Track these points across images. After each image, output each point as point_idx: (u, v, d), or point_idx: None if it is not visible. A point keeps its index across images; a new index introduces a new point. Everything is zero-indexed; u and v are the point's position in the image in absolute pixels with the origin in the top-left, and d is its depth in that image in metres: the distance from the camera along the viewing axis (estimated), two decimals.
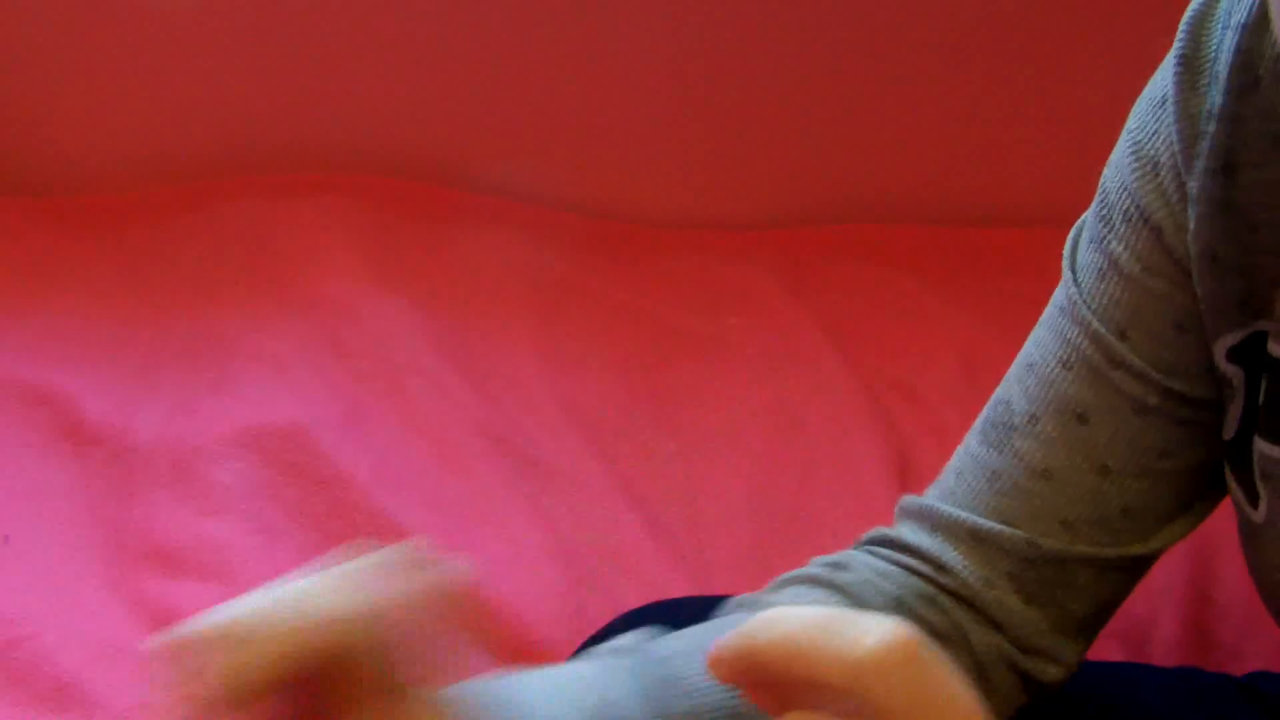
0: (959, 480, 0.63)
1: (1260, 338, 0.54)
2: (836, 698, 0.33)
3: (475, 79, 1.39)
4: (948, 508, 0.62)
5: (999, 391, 0.64)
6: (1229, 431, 0.57)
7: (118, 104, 1.39)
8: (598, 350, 1.23)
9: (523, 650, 0.96)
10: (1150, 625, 0.96)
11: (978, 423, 0.65)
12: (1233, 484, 0.58)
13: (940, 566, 0.61)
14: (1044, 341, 0.62)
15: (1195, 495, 0.61)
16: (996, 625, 0.62)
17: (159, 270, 1.27)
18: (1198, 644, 0.96)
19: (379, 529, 1.02)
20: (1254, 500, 0.57)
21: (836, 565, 0.63)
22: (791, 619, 0.34)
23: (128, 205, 1.36)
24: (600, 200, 1.42)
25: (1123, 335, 0.57)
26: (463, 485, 1.07)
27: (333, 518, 1.03)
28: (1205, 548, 1.01)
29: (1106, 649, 0.92)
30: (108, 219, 1.34)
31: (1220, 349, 0.56)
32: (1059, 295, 0.62)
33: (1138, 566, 0.63)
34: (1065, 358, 0.59)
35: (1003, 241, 1.39)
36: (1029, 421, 0.60)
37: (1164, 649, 0.95)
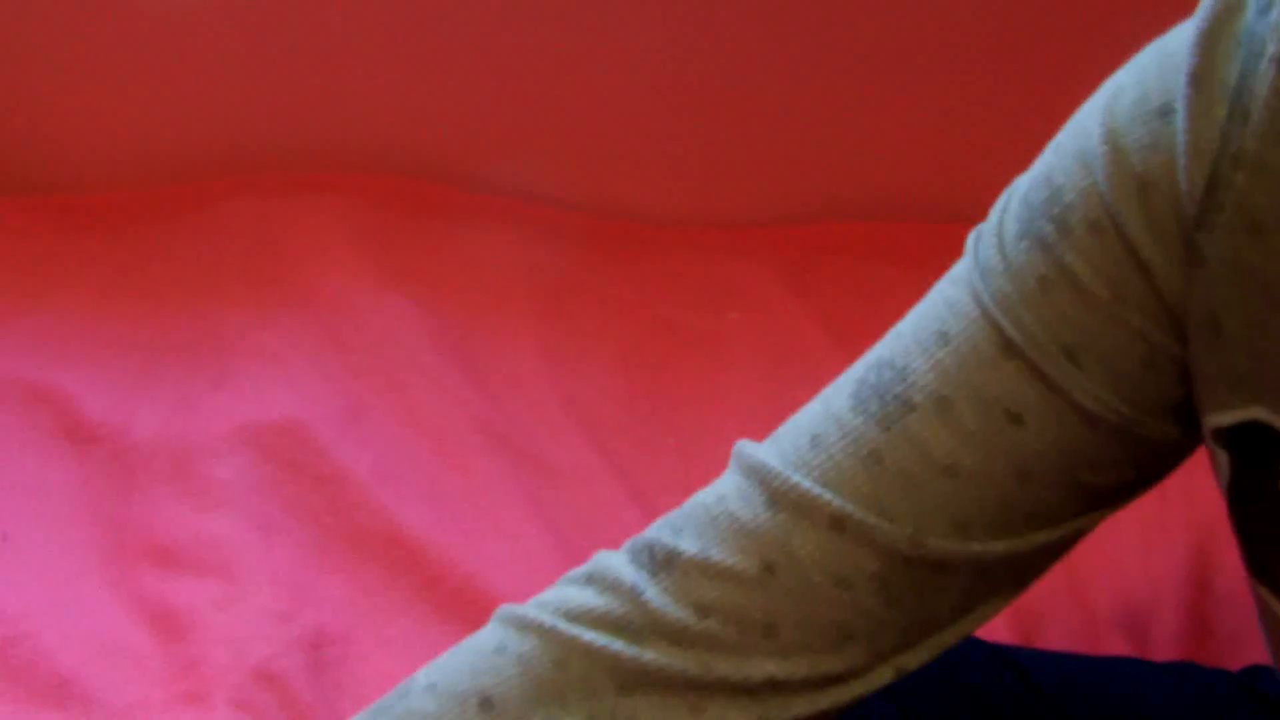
0: (817, 450, 0.52)
1: (1257, 427, 0.46)
2: None
3: (476, 78, 1.39)
4: (805, 483, 0.51)
5: (883, 350, 0.54)
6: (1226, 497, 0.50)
7: (118, 104, 1.39)
8: (597, 347, 1.23)
9: None
10: (1150, 616, 0.96)
11: (847, 382, 0.54)
12: (1258, 582, 0.51)
13: (771, 568, 0.50)
14: (963, 309, 0.51)
15: (1108, 503, 0.53)
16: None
17: (159, 269, 1.27)
18: (1198, 632, 0.96)
19: (379, 526, 1.02)
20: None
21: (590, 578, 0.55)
22: None
23: (128, 205, 1.36)
24: (600, 199, 1.42)
25: (1072, 357, 0.48)
26: (463, 481, 1.07)
27: (333, 514, 1.03)
28: (1206, 537, 1.01)
29: (1108, 639, 0.92)
30: (108, 218, 1.34)
31: (1208, 426, 0.49)
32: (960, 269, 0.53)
33: (1029, 561, 0.53)
34: (998, 342, 0.49)
35: None
36: (937, 405, 0.50)
37: (1165, 638, 0.95)
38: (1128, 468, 0.51)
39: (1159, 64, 0.48)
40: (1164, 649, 0.94)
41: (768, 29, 1.37)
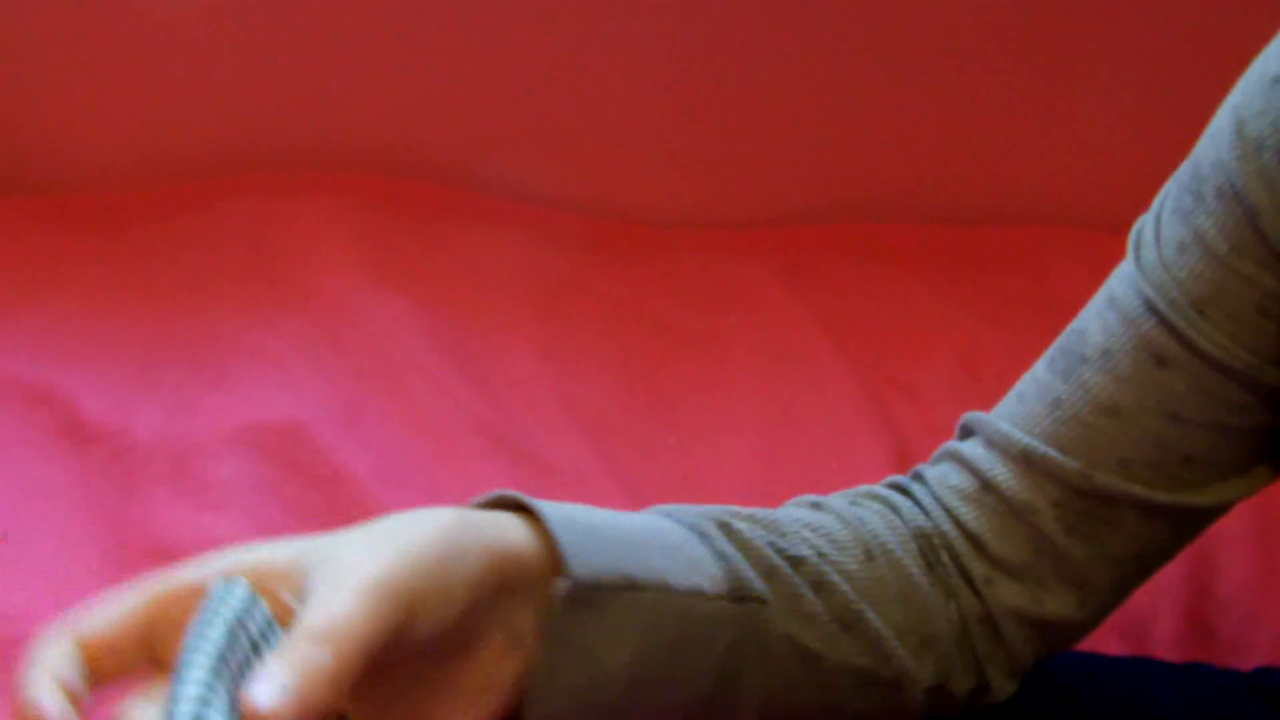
0: (1019, 403, 0.64)
1: None
2: None
3: (475, 79, 1.39)
4: (1004, 425, 0.63)
5: (1076, 321, 0.64)
6: None
7: (118, 104, 1.39)
8: (597, 348, 1.23)
9: None
10: (1150, 619, 0.96)
11: (1050, 349, 0.64)
12: None
13: (987, 483, 0.62)
14: (1126, 275, 0.61)
15: (1259, 457, 0.61)
16: (1014, 569, 0.62)
17: (159, 269, 1.27)
18: (1198, 638, 0.96)
19: None
20: None
21: (871, 495, 0.66)
22: None
23: (128, 205, 1.36)
24: (600, 199, 1.42)
25: (1201, 311, 0.57)
26: (462, 482, 1.07)
27: (332, 515, 1.03)
28: (1206, 542, 1.01)
29: (1106, 643, 0.92)
30: (108, 219, 1.34)
31: None
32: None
33: (1187, 522, 0.63)
34: (1150, 303, 0.59)
35: (1002, 240, 1.39)
36: (1103, 355, 0.60)
37: (1164, 643, 0.95)
38: (1262, 412, 0.59)
39: (1277, 39, 0.56)
40: (1163, 653, 0.94)
41: (767, 29, 1.37)
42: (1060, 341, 0.64)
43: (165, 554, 0.99)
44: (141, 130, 1.41)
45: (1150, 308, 0.58)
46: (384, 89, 1.39)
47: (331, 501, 1.04)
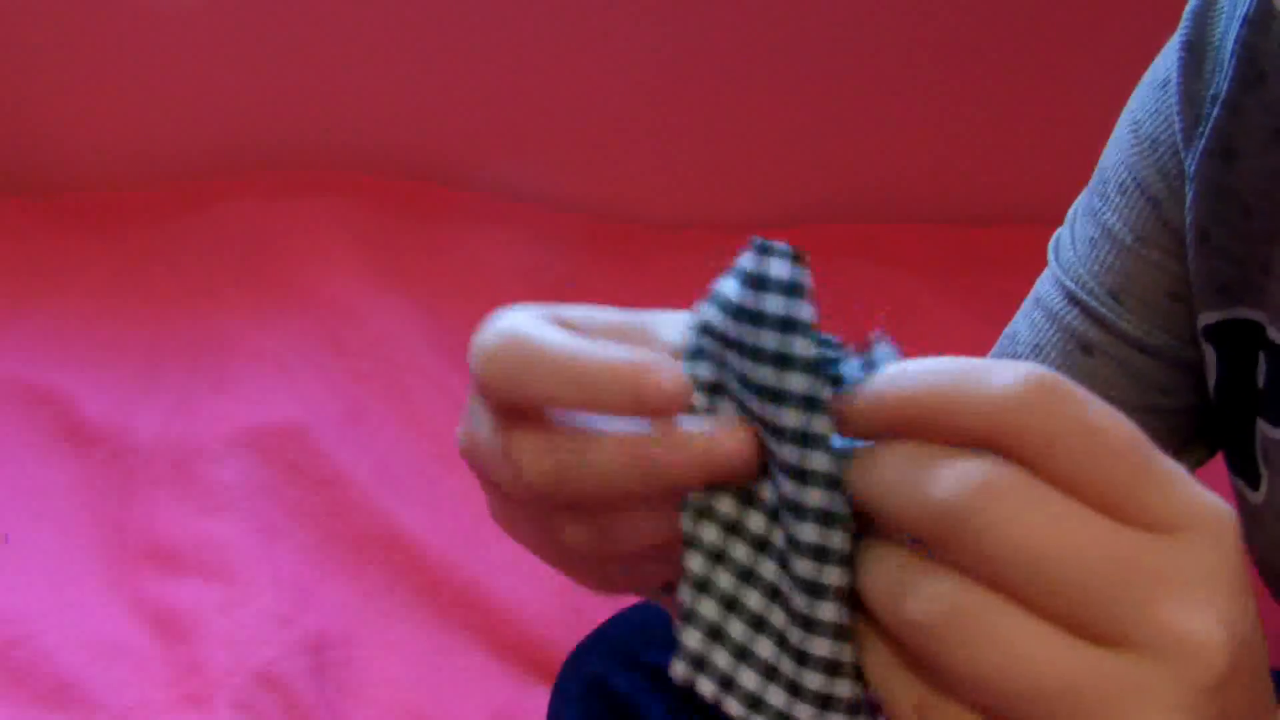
0: None
1: (1242, 325, 0.55)
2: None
3: (475, 79, 1.39)
4: None
5: (1008, 328, 0.65)
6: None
7: (118, 103, 1.39)
8: None
9: (522, 649, 0.96)
10: None
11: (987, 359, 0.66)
12: (1231, 467, 0.59)
13: None
14: (1048, 276, 0.64)
15: (1191, 437, 0.62)
16: None
17: (159, 270, 1.27)
18: None
19: (380, 529, 1.02)
20: (1254, 482, 0.57)
21: None
22: (919, 369, 0.30)
23: (128, 205, 1.36)
24: (599, 200, 1.42)
25: (1116, 298, 0.59)
26: (462, 484, 1.07)
27: (333, 517, 1.03)
28: None
29: None
30: (108, 219, 1.34)
31: (1200, 325, 0.57)
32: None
33: None
34: (1071, 295, 0.61)
35: (1002, 240, 1.39)
36: (1033, 351, 0.62)
37: None
38: (1189, 392, 0.60)
39: (1165, 49, 0.58)
40: None
41: (767, 31, 1.37)
42: (995, 350, 0.66)
43: (166, 555, 0.99)
44: (141, 130, 1.41)
45: (1072, 299, 0.61)
46: (384, 89, 1.39)
47: (332, 503, 1.04)
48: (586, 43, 1.37)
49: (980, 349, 1.34)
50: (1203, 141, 0.54)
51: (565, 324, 0.33)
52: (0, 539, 1.00)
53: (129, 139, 1.41)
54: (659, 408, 0.30)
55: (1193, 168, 0.55)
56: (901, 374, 0.31)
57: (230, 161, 1.40)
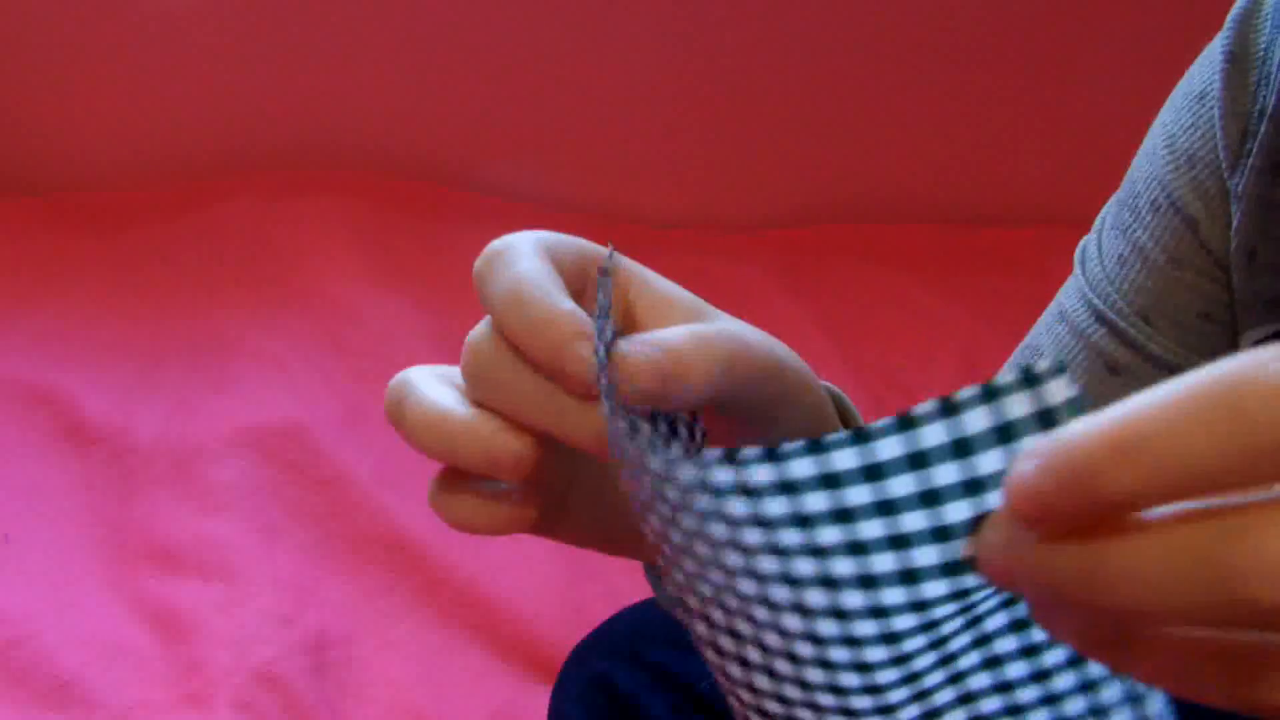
0: None
1: None
2: None
3: (476, 79, 1.39)
4: None
5: (1028, 337, 0.64)
6: None
7: (118, 103, 1.39)
8: None
9: (523, 649, 0.96)
10: None
11: (1004, 369, 0.63)
12: None
13: None
14: (1073, 290, 0.62)
15: None
16: None
17: (159, 270, 1.27)
18: None
19: (380, 528, 1.02)
20: None
21: None
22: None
23: (128, 205, 1.36)
24: (600, 200, 1.42)
25: (1146, 319, 0.58)
26: None
27: (333, 516, 1.03)
28: None
29: None
30: (108, 219, 1.34)
31: (1246, 342, 0.57)
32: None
33: None
34: (1099, 313, 0.59)
35: (1002, 241, 1.39)
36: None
37: None
38: None
39: (1201, 59, 0.56)
40: None
41: (768, 31, 1.37)
42: (1013, 360, 0.64)
43: (166, 555, 0.99)
44: (141, 130, 1.41)
45: (1099, 318, 0.59)
46: (384, 89, 1.39)
47: (332, 502, 1.04)
48: (587, 43, 1.37)
49: (980, 349, 1.35)
50: (1251, 159, 0.52)
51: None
52: (0, 539, 1.00)
53: (129, 139, 1.41)
54: (509, 471, 0.35)
55: (1240, 186, 0.53)
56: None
57: (230, 161, 1.40)
